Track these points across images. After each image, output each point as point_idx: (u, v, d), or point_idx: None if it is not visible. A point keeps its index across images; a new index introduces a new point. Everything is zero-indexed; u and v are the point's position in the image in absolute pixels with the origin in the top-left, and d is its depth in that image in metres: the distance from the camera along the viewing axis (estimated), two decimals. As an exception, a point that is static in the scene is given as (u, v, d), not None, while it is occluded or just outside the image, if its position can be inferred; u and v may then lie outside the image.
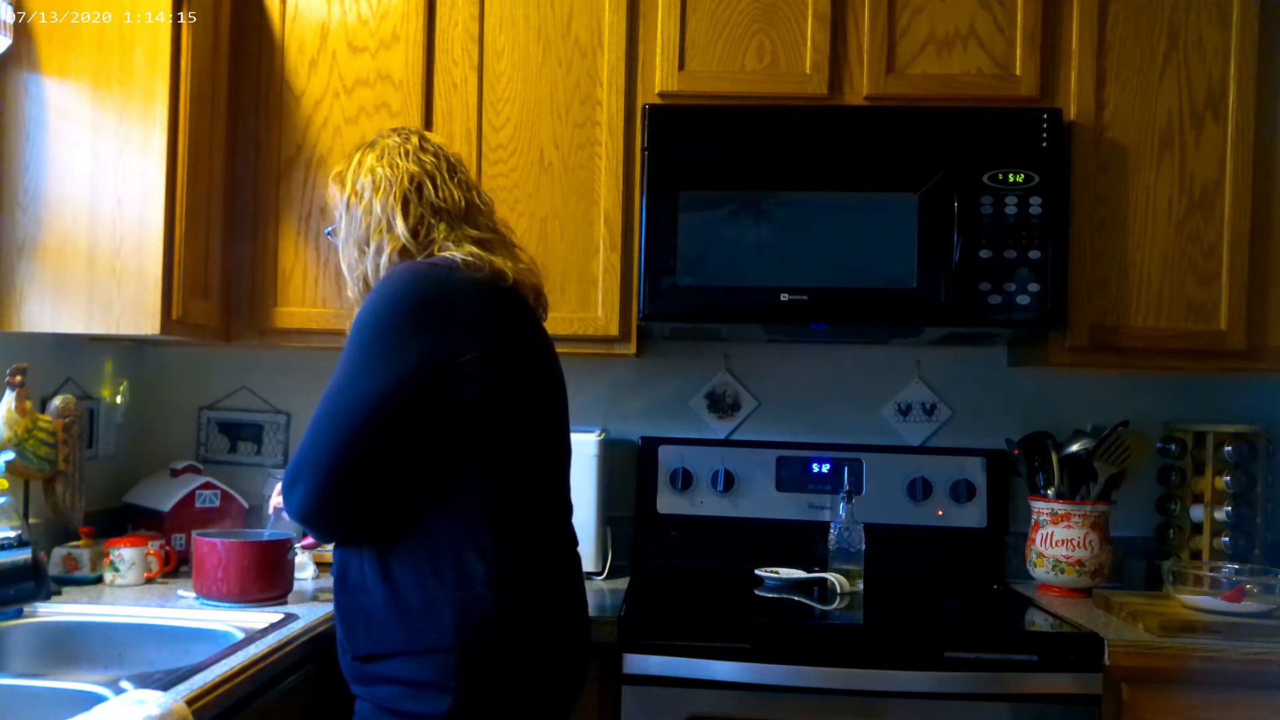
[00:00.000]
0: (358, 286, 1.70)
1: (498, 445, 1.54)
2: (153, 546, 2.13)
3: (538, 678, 1.55)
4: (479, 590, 1.48)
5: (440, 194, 1.64)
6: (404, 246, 1.62)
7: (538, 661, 1.55)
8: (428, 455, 1.51)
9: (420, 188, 1.64)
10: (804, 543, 2.46)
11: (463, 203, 1.67)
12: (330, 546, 2.14)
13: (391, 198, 1.63)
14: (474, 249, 1.60)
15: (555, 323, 2.24)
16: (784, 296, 2.18)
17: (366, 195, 1.65)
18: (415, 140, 1.69)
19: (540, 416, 1.63)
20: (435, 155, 1.68)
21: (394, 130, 1.74)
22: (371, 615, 1.52)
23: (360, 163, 1.69)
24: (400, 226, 1.62)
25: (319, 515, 1.53)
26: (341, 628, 1.57)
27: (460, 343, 1.50)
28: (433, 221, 1.63)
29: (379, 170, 1.66)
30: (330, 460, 1.48)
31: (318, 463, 1.49)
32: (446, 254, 1.59)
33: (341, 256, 1.72)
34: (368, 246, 1.65)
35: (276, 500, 1.89)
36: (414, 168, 1.65)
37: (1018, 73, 2.25)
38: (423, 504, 1.51)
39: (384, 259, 1.63)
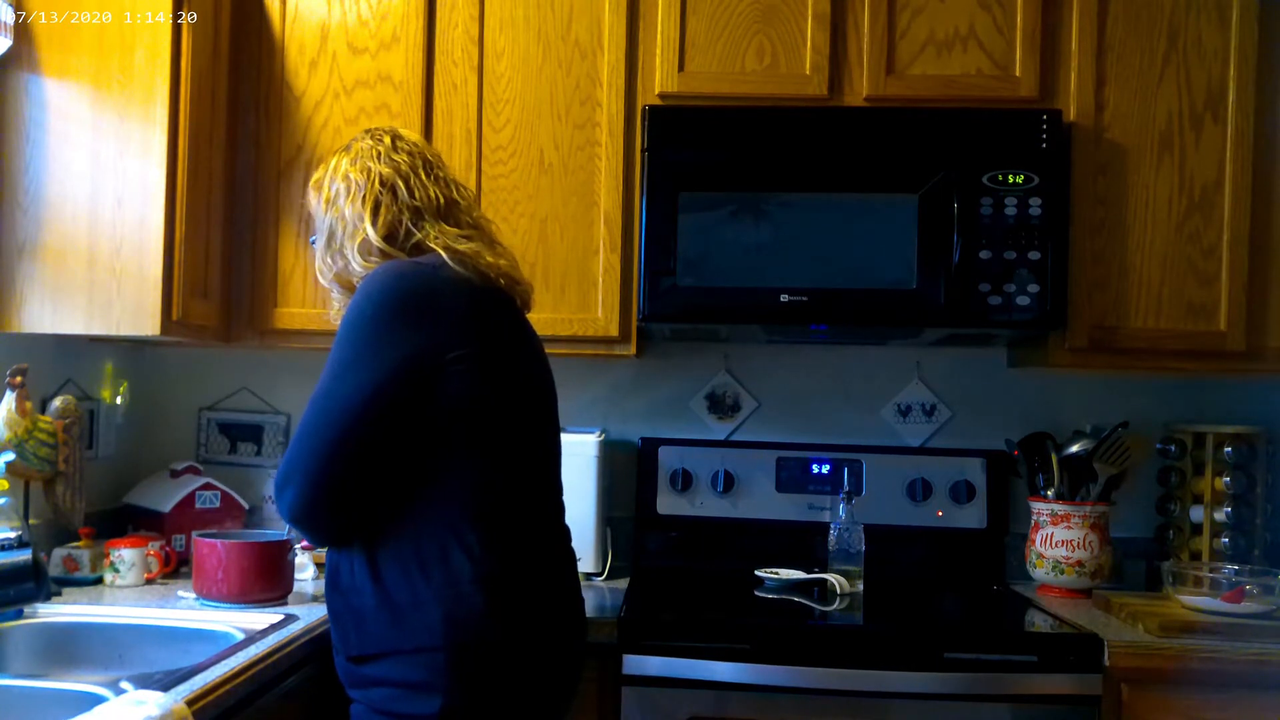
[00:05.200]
0: (336, 291, 1.70)
1: (482, 442, 1.54)
2: (153, 547, 2.13)
3: (530, 677, 1.55)
4: (466, 588, 1.48)
5: (416, 194, 1.63)
6: (380, 249, 1.61)
7: (530, 660, 1.55)
8: (414, 453, 1.51)
9: (394, 189, 1.63)
10: (804, 543, 2.45)
11: (441, 200, 1.65)
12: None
13: (360, 201, 1.62)
14: (457, 246, 1.59)
15: (555, 323, 2.26)
16: (784, 297, 2.18)
17: (340, 201, 1.65)
18: (388, 141, 1.68)
19: (526, 413, 1.63)
20: (410, 154, 1.67)
21: (367, 132, 1.72)
22: (363, 616, 1.52)
23: (335, 168, 1.69)
24: (370, 230, 1.61)
25: (309, 516, 1.53)
26: (335, 629, 1.58)
27: (444, 340, 1.50)
28: (411, 222, 1.62)
29: (351, 174, 1.65)
30: (319, 461, 1.49)
31: (306, 464, 1.50)
32: (430, 253, 1.59)
33: (318, 262, 1.71)
34: (343, 251, 1.64)
35: None
36: (385, 169, 1.64)
37: (1017, 73, 2.25)
38: (408, 502, 1.51)
39: (357, 263, 1.62)
